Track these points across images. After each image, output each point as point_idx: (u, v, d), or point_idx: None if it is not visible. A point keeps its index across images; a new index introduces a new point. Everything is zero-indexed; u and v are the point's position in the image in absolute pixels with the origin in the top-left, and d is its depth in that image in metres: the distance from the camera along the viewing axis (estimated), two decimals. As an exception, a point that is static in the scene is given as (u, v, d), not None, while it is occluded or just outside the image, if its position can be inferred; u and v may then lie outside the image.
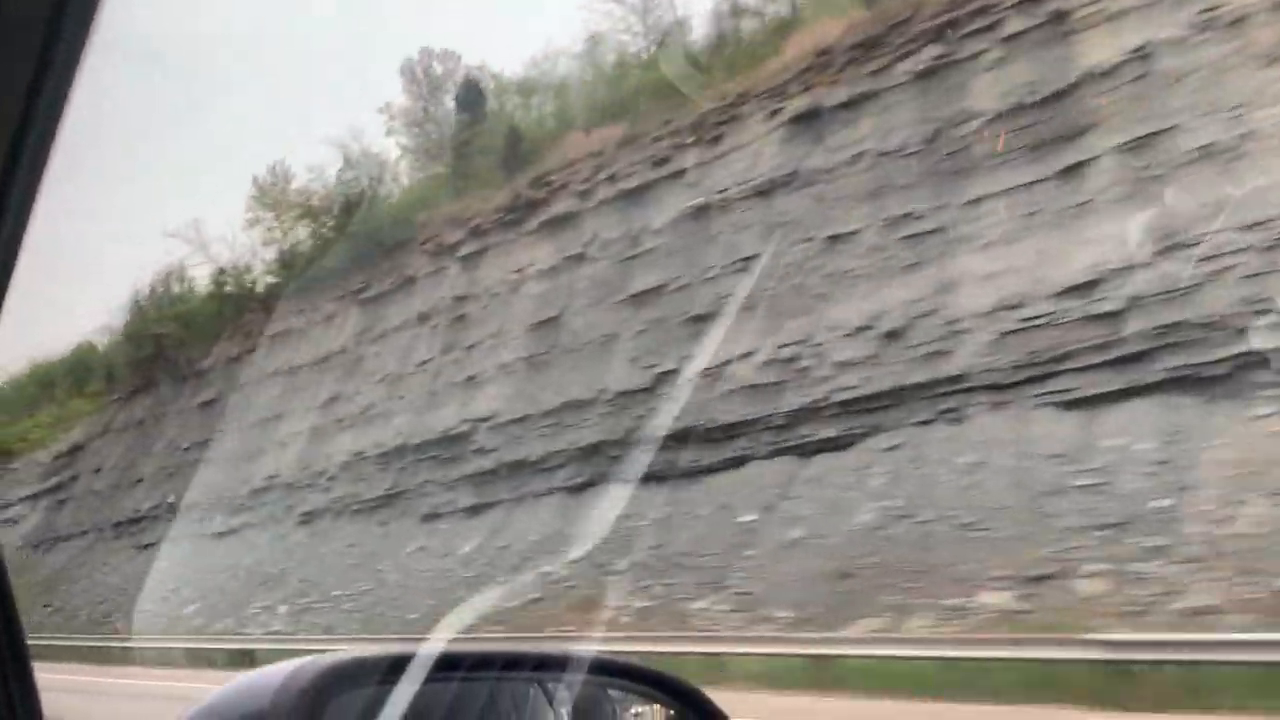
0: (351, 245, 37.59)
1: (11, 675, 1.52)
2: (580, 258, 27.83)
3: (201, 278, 51.17)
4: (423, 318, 32.20)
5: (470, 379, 28.55)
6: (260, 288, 42.98)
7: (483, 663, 1.84)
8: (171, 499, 37.34)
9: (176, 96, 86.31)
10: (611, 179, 28.52)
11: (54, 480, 47.82)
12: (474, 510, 25.65)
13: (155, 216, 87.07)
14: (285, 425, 35.32)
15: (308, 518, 30.75)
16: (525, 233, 30.33)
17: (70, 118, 1.13)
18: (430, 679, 1.64)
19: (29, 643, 1.58)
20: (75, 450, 47.81)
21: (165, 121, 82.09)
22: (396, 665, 1.61)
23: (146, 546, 36.34)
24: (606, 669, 2.02)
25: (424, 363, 30.88)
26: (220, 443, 37.70)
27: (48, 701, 1.57)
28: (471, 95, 40.15)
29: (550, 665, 1.96)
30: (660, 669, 2.08)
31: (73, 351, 70.42)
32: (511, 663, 1.90)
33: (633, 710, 2.04)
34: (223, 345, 42.58)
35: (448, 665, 1.72)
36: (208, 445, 38.19)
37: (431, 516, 26.84)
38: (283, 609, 24.74)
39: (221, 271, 44.59)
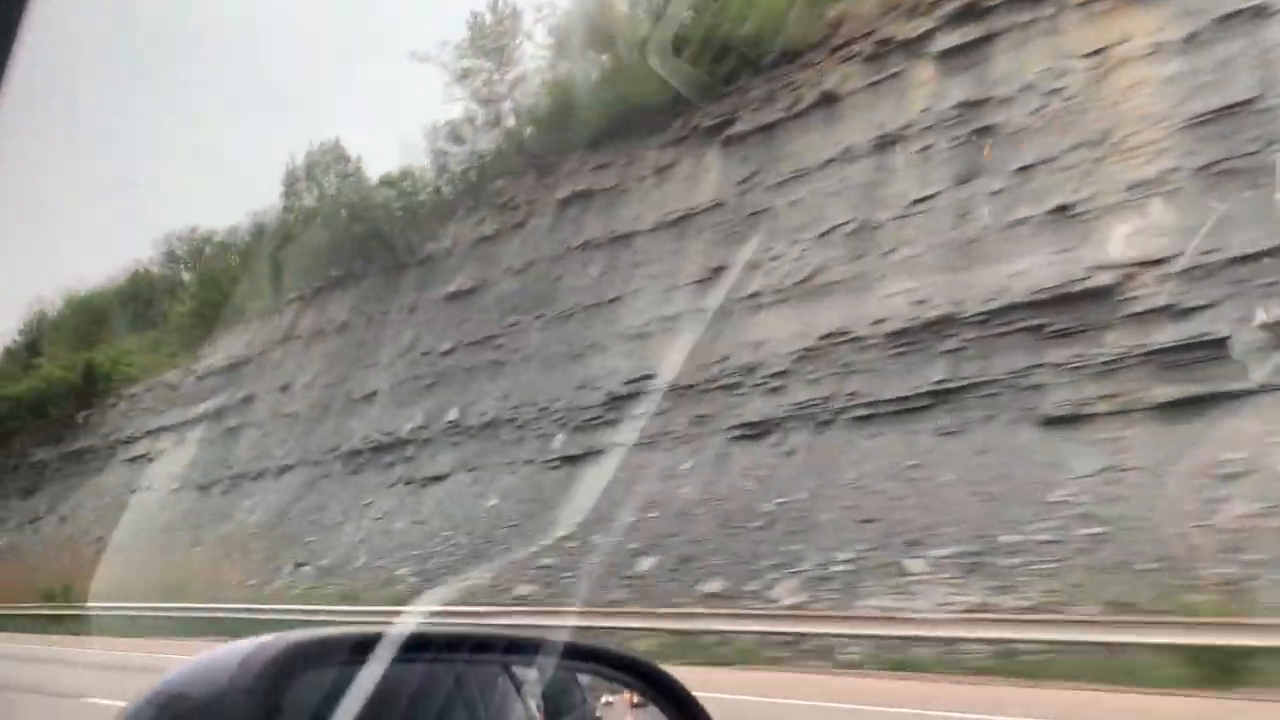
0: (678, 72, 26.37)
1: None
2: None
3: (379, 158, 39.77)
4: (884, 143, 21.22)
5: (1060, 210, 17.67)
6: (515, 144, 31.51)
7: (452, 645, 1.72)
8: (454, 415, 26.26)
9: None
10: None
11: (210, 404, 36.43)
12: (1189, 404, 14.94)
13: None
14: (631, 311, 24.28)
15: (755, 431, 19.84)
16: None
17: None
18: (398, 660, 1.48)
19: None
20: (238, 365, 36.40)
21: None
22: (362, 645, 1.47)
23: (431, 480, 25.30)
24: (577, 653, 1.89)
25: (918, 201, 19.95)
26: (512, 341, 26.63)
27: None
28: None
29: (521, 649, 1.82)
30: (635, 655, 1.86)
31: (128, 279, 60.65)
32: (481, 646, 1.78)
33: (603, 696, 1.94)
34: (462, 223, 31.35)
35: (416, 647, 1.56)
36: (489, 345, 27.10)
37: (1063, 420, 16.09)
38: (916, 565, 14.00)
39: (457, 129, 33.04)
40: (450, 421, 26.15)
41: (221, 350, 38.04)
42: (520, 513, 21.52)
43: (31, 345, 60.99)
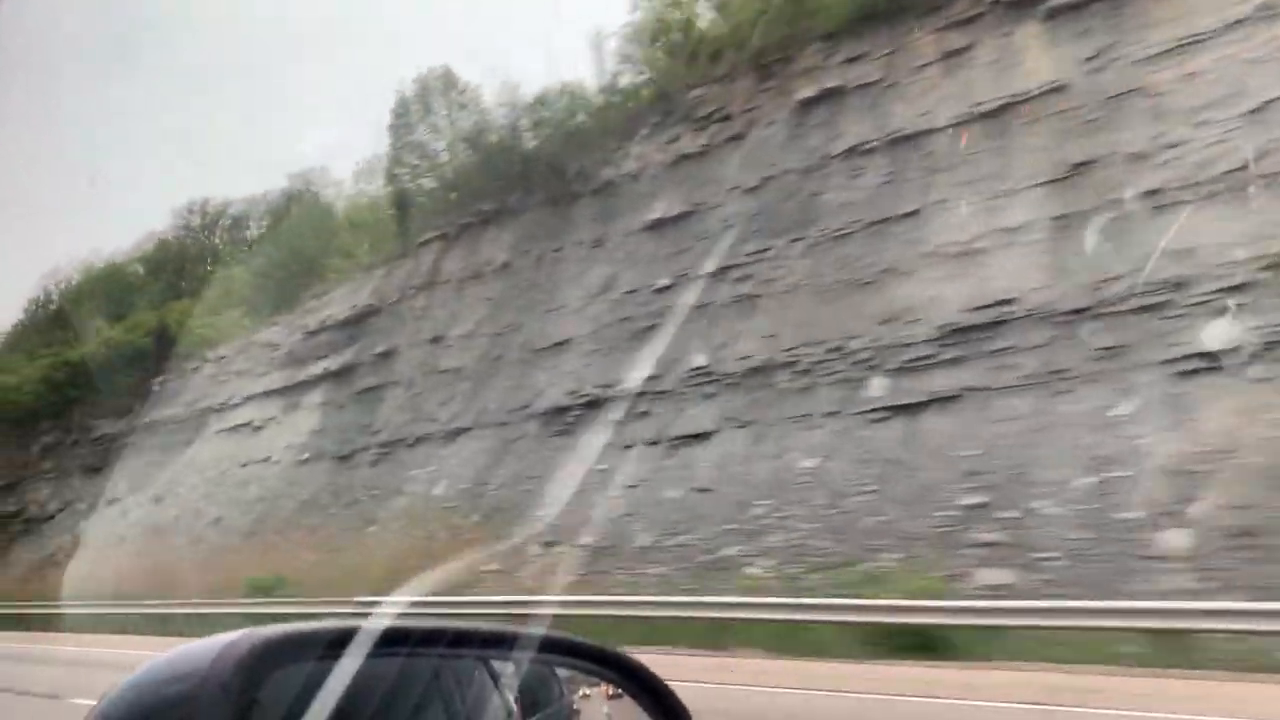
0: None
1: None
2: None
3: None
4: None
5: None
6: (715, 46, 25.68)
7: (428, 639, 1.61)
8: (700, 360, 20.64)
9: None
10: None
11: (330, 363, 30.60)
12: None
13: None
14: (943, 225, 18.77)
15: (1222, 363, 14.47)
16: None
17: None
18: (374, 654, 1.42)
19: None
20: (364, 318, 30.53)
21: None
22: (339, 640, 1.40)
23: (688, 439, 19.71)
24: (555, 647, 1.80)
25: None
26: (763, 271, 21.05)
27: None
28: None
29: (498, 643, 1.75)
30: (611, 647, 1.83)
31: (155, 247, 54.54)
32: (458, 640, 1.68)
33: (581, 690, 1.88)
34: (648, 141, 25.65)
35: (392, 641, 1.49)
36: (728, 278, 21.49)
37: None
38: None
39: (639, 35, 27.18)
40: (696, 369, 20.57)
41: (336, 304, 32.17)
42: (864, 475, 16.02)
43: (58, 315, 56.47)
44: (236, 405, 33.69)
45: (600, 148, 26.61)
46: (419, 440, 25.53)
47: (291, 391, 31.50)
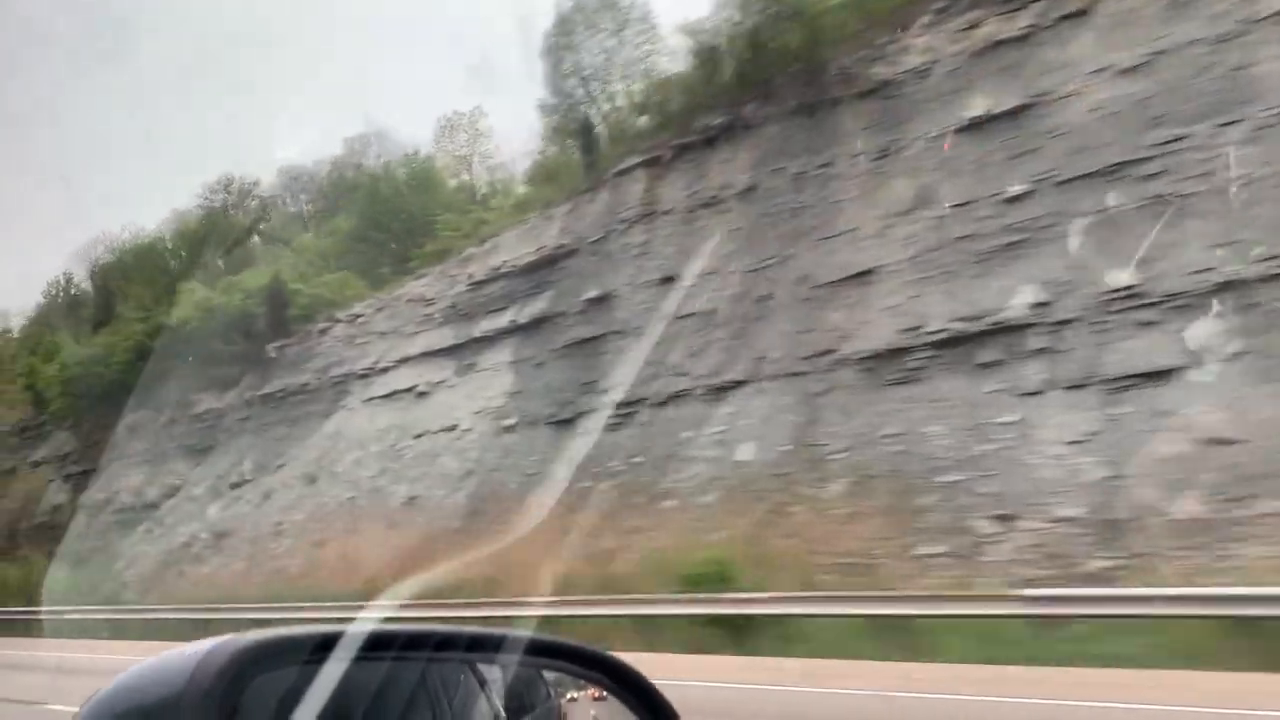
0: None
1: None
2: None
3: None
4: None
5: None
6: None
7: (414, 643, 1.56)
8: (1120, 279, 15.44)
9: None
10: None
11: (513, 315, 25.30)
12: None
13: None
14: None
15: None
16: None
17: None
18: (358, 659, 1.38)
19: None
20: (554, 261, 25.16)
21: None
22: (323, 644, 1.36)
23: (1139, 378, 14.53)
24: (542, 650, 1.74)
25: None
26: (1181, 166, 15.86)
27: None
28: None
29: (484, 646, 1.68)
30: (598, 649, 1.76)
31: (198, 223, 51.42)
32: (444, 643, 1.63)
33: (569, 693, 1.80)
34: (935, 30, 20.43)
35: (377, 645, 1.44)
36: (1126, 178, 16.29)
37: None
38: None
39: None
40: (1117, 290, 15.41)
41: (507, 248, 26.83)
42: None
43: (101, 291, 52.43)
44: (387, 369, 28.41)
45: (864, 42, 21.38)
46: (671, 399, 20.35)
47: (464, 350, 26.23)
